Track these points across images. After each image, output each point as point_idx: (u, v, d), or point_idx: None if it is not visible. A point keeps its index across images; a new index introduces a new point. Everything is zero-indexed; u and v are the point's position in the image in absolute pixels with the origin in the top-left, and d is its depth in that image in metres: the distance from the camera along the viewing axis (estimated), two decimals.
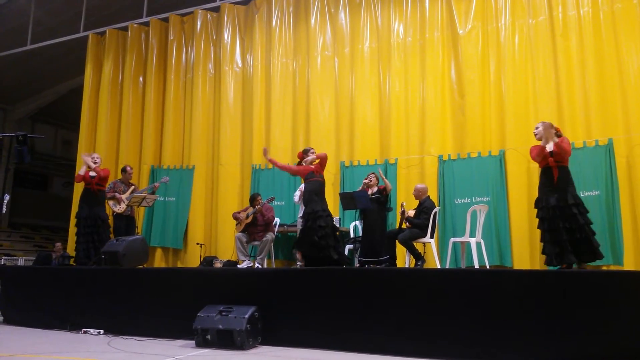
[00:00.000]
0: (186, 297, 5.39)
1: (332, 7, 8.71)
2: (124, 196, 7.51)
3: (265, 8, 9.20)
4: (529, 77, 7.20)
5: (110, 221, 7.54)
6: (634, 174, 6.35)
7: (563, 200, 4.72)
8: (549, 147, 4.87)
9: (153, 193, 7.83)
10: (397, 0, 8.25)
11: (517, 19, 7.40)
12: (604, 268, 6.18)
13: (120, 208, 7.46)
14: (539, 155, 4.91)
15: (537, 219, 4.91)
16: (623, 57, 6.62)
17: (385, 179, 6.80)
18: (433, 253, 6.29)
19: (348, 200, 6.34)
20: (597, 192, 6.41)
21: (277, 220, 7.59)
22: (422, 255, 6.28)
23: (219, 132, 9.06)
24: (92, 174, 6.94)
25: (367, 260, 6.29)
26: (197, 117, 9.25)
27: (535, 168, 6.86)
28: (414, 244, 6.18)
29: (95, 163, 6.98)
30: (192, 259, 8.60)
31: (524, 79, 7.22)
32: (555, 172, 4.81)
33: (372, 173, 6.79)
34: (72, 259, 6.83)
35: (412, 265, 6.25)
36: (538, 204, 4.91)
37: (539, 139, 4.96)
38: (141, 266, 6.54)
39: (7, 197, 6.40)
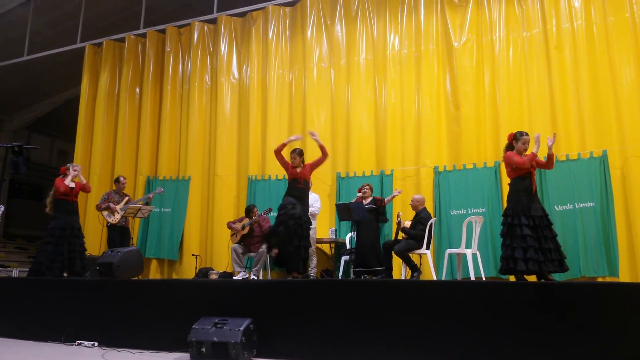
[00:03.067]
0: (181, 309, 5.35)
1: (328, 19, 8.77)
2: (118, 207, 7.49)
3: (261, 20, 9.25)
4: (524, 89, 7.26)
5: (105, 232, 7.53)
6: (628, 185, 6.39)
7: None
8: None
9: (147, 204, 7.82)
10: (393, 13, 8.33)
11: (512, 32, 7.49)
12: (600, 280, 6.20)
13: (115, 219, 7.44)
14: None
15: None
16: (616, 69, 6.69)
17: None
18: (429, 264, 6.29)
19: (345, 211, 6.34)
20: (592, 204, 6.43)
21: None
22: (418, 266, 6.28)
23: (215, 143, 9.06)
24: (71, 185, 6.98)
25: (362, 271, 6.28)
26: (193, 128, 9.25)
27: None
28: (410, 255, 6.18)
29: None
30: (188, 271, 8.56)
31: (518, 91, 7.29)
32: None
33: (366, 184, 6.80)
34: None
35: (408, 277, 6.25)
36: None
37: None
38: (136, 278, 6.50)
39: (1, 208, 6.35)
